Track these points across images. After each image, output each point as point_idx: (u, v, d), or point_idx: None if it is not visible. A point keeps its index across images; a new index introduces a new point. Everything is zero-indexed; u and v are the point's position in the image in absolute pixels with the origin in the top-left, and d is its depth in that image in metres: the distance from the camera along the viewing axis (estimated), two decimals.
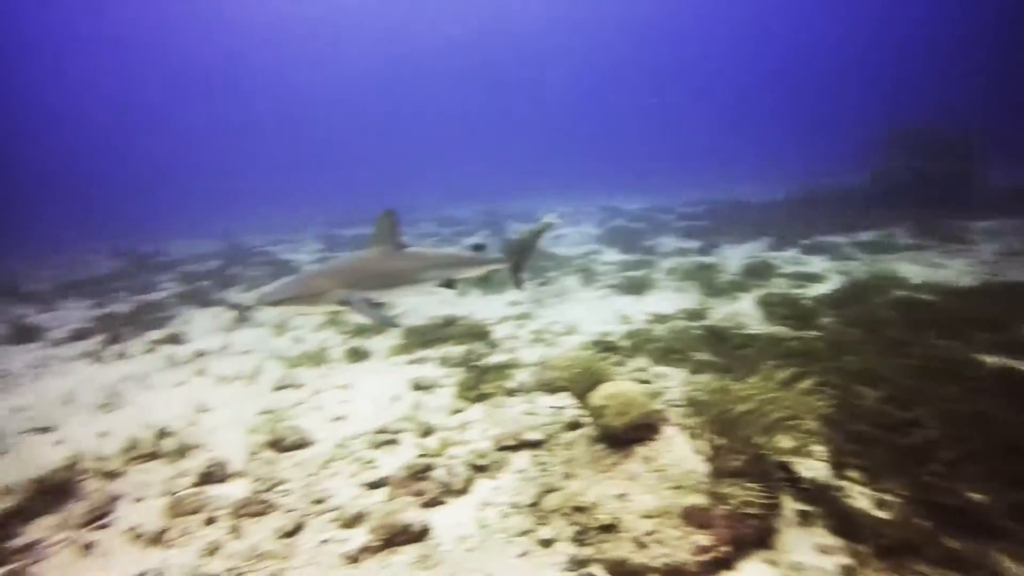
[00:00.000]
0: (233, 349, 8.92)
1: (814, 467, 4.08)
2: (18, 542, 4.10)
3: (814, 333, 7.00)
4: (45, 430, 6.26)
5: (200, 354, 8.71)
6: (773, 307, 8.26)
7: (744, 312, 8.45)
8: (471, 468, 4.61)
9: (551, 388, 6.25)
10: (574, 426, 5.18)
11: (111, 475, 5.04)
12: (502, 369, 6.85)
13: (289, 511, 4.24)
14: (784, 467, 3.97)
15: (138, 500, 4.64)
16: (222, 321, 10.88)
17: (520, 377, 6.61)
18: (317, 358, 7.99)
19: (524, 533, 3.80)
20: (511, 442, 5.05)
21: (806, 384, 3.71)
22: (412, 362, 7.63)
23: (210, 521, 4.20)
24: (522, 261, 6.09)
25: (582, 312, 9.47)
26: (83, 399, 7.15)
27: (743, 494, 3.38)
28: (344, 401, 6.46)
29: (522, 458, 4.86)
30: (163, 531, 4.11)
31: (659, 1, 79.53)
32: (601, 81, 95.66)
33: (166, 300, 13.41)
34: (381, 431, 5.52)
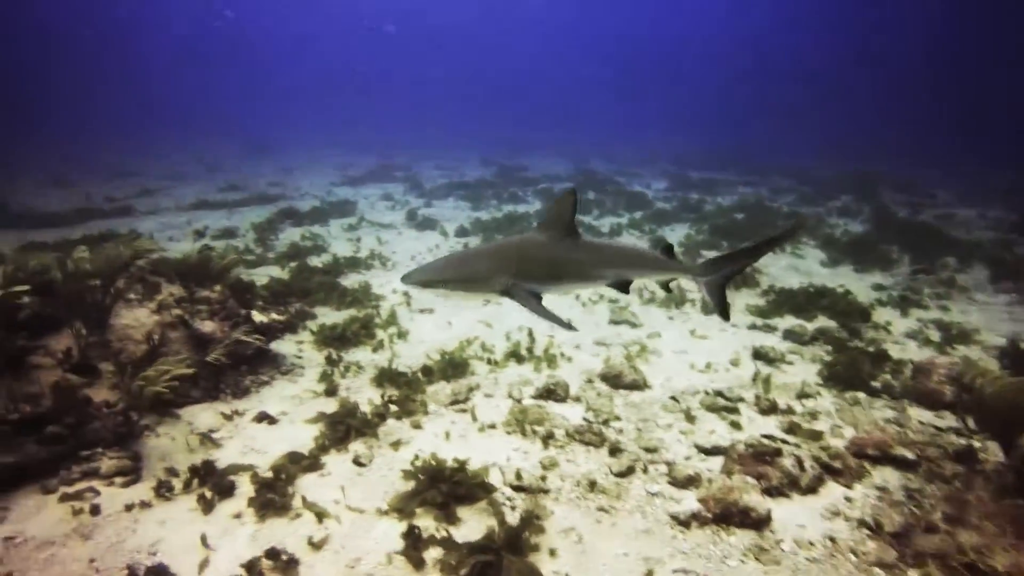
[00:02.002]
0: None
1: None
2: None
3: None
4: (432, 312, 7.64)
5: None
6: None
7: None
8: (821, 466, 4.09)
9: (933, 400, 5.12)
10: (966, 458, 4.15)
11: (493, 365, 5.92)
12: (878, 360, 5.91)
13: (621, 451, 4.38)
14: None
15: (488, 396, 5.31)
16: None
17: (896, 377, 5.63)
18: (667, 299, 7.93)
19: (884, 567, 3.23)
20: (872, 451, 4.31)
21: None
22: (757, 327, 7.11)
23: (549, 436, 4.58)
24: (729, 279, 4.23)
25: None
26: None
27: None
28: (682, 351, 6.38)
29: (885, 474, 4.11)
30: (506, 430, 4.66)
31: None
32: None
33: (527, 213, 15.00)
34: (719, 394, 5.29)
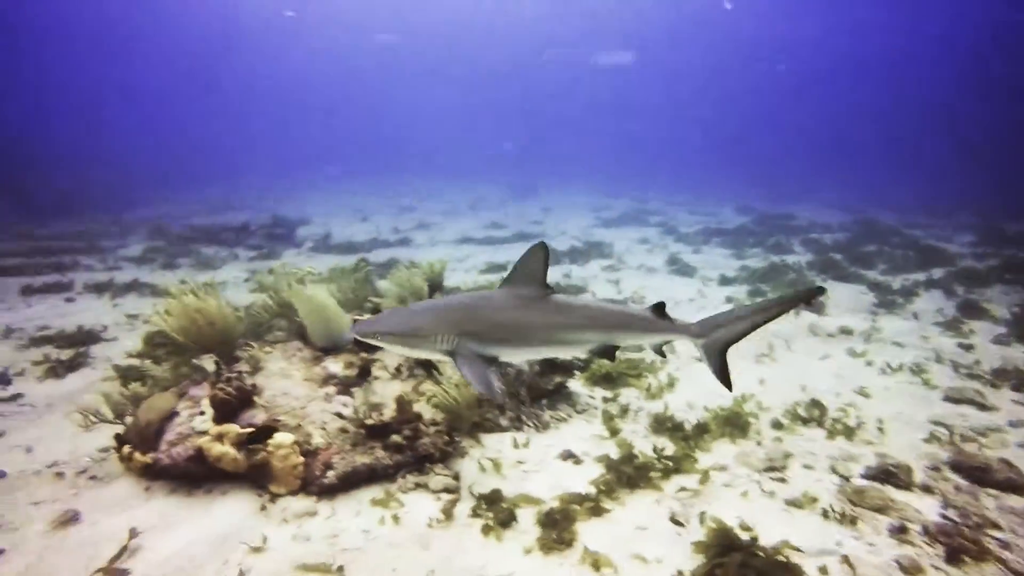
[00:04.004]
0: (882, 335, 8.17)
1: None
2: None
3: None
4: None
5: (845, 331, 8.32)
6: None
7: None
8: None
9: None
10: None
11: (777, 426, 5.27)
12: None
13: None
14: None
15: (807, 467, 4.61)
16: (863, 301, 10.20)
17: None
18: (1002, 374, 6.43)
19: None
20: None
21: None
22: None
23: (902, 530, 3.75)
24: (732, 343, 3.78)
25: None
26: (741, 343, 7.80)
27: None
28: None
29: None
30: (845, 514, 3.92)
31: None
32: None
33: (796, 264, 13.59)
34: None
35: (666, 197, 30.13)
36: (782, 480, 4.38)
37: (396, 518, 3.73)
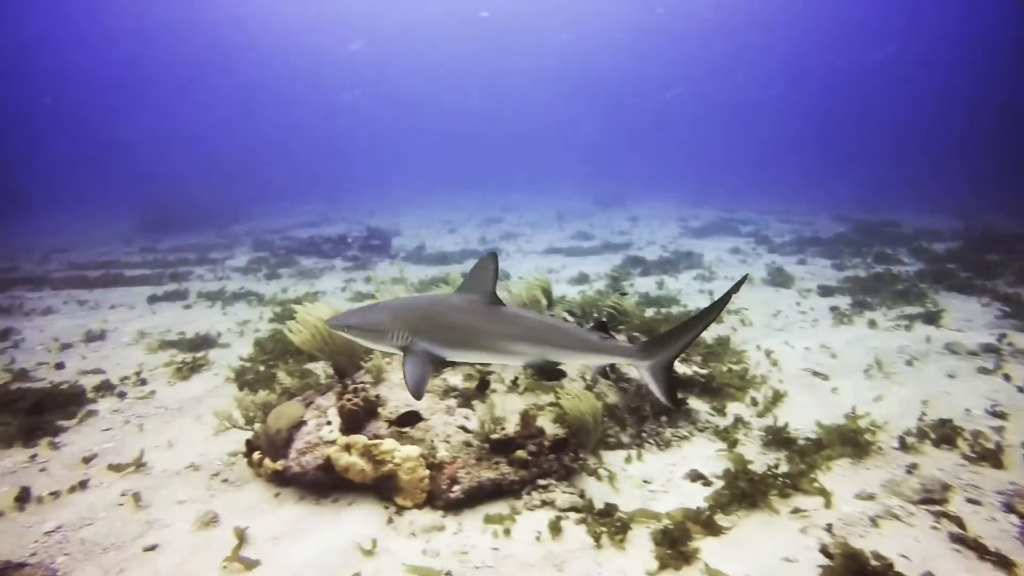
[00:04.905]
0: (1015, 350, 7.36)
1: None
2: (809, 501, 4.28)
3: None
4: (824, 376, 6.64)
5: (967, 347, 7.51)
6: None
7: None
8: None
9: None
10: None
11: (907, 449, 4.80)
12: None
13: None
14: None
15: (972, 502, 4.12)
16: (986, 314, 9.24)
17: None
18: None
19: None
20: None
21: None
22: None
23: None
24: (674, 359, 3.63)
25: None
26: (849, 357, 7.26)
27: None
28: None
29: None
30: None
31: None
32: None
33: (903, 274, 12.58)
34: None
35: (755, 206, 28.86)
36: (940, 513, 3.92)
37: (525, 536, 3.64)
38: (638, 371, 3.67)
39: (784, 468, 4.36)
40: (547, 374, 3.57)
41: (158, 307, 11.01)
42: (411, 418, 4.24)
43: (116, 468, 4.65)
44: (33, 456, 4.97)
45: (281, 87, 76.37)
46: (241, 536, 3.60)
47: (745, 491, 3.95)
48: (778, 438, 4.85)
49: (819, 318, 9.40)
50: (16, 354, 7.98)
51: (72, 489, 4.37)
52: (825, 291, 11.32)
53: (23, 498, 4.20)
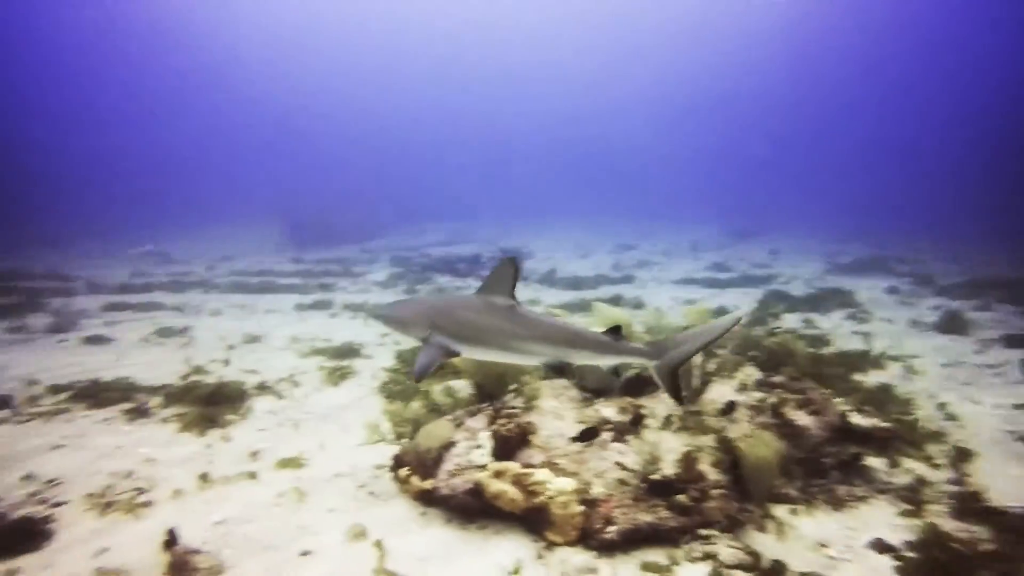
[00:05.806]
0: None
1: None
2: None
3: None
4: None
5: None
6: None
7: None
8: None
9: None
10: None
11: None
12: None
13: None
14: None
15: None
16: None
17: None
18: None
19: None
20: None
21: None
22: None
23: None
24: (680, 364, 3.71)
25: None
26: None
27: None
28: None
29: None
30: None
31: None
32: None
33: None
34: None
35: (910, 243, 25.97)
36: None
37: None
38: (649, 370, 3.83)
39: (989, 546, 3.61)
40: (559, 372, 3.70)
41: (306, 315, 11.77)
42: (590, 434, 4.17)
43: (276, 466, 4.87)
44: (208, 446, 5.36)
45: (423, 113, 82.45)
46: (381, 547, 3.55)
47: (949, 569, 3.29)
48: (976, 507, 4.08)
49: (1007, 372, 8.07)
50: (191, 351, 8.81)
51: (238, 482, 4.62)
52: (1013, 342, 9.73)
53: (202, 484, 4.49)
